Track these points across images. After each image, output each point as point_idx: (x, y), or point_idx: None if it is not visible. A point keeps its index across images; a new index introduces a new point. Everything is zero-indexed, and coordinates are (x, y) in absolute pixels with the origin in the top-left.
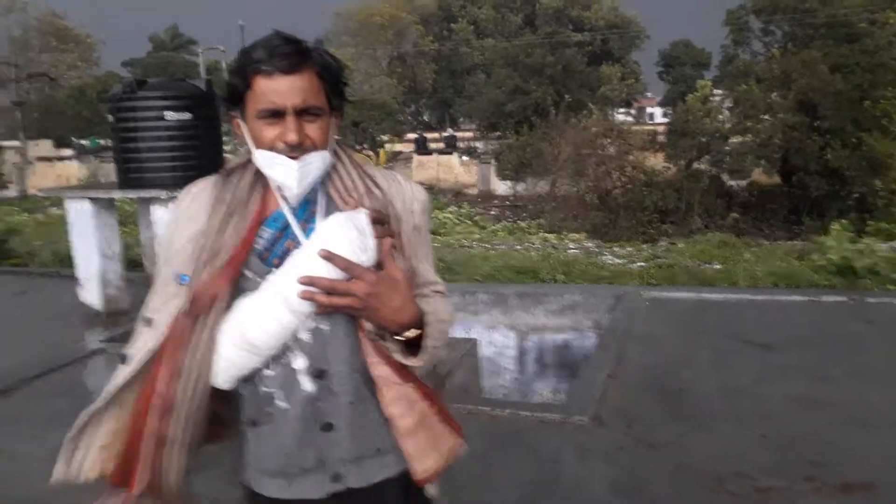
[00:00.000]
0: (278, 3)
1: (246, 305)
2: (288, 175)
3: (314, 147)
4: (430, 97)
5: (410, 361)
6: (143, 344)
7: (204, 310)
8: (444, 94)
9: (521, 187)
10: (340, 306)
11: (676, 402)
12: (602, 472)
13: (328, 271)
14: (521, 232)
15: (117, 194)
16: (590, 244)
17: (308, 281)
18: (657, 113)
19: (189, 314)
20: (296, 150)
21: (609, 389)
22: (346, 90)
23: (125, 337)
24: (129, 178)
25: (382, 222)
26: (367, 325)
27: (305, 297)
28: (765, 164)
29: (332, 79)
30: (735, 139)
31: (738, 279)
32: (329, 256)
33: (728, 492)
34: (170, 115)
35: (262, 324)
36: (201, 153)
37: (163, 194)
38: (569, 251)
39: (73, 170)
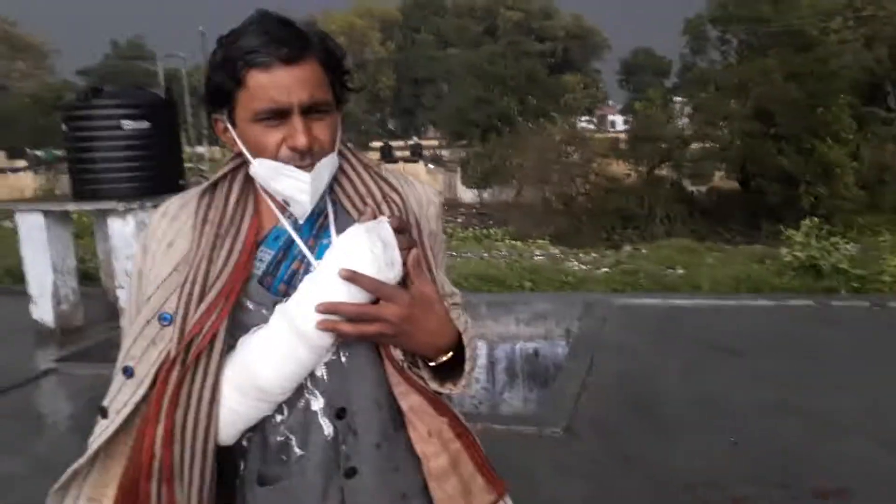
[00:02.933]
0: (237, 10)
1: (253, 345)
2: (299, 190)
3: (323, 151)
4: (393, 106)
5: (448, 389)
6: (125, 397)
7: (200, 355)
8: (406, 104)
9: (487, 195)
10: (370, 335)
11: (649, 413)
12: (577, 485)
13: (350, 294)
14: (488, 239)
15: (71, 206)
16: (556, 250)
17: (330, 308)
18: (618, 121)
19: (183, 362)
20: (306, 157)
21: (582, 400)
22: (349, 80)
23: (79, 356)
24: (85, 189)
25: (404, 231)
26: (397, 353)
27: (327, 327)
28: (725, 169)
29: (336, 67)
30: (696, 145)
31: (701, 283)
32: (354, 277)
33: (703, 501)
34: (127, 124)
35: (275, 365)
36: (160, 163)
37: (120, 206)
38: (535, 258)
39: (28, 181)
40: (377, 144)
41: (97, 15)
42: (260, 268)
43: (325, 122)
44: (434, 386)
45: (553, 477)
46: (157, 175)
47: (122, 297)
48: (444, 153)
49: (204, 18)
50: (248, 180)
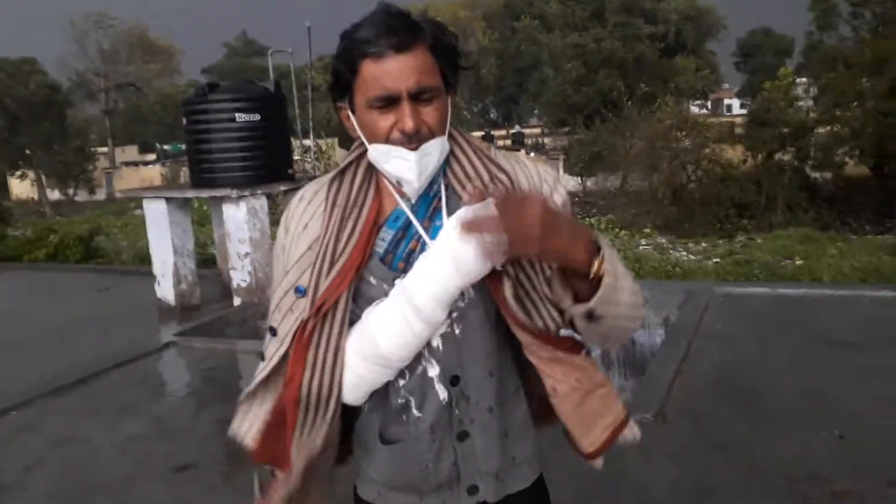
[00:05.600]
0: (342, 4)
1: (375, 316)
2: (407, 168)
3: (431, 134)
4: (495, 95)
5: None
6: (271, 351)
7: (326, 315)
8: (509, 91)
9: (590, 183)
10: (522, 236)
11: (749, 402)
12: (666, 471)
13: (460, 274)
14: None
15: (190, 194)
16: (663, 240)
17: (473, 226)
18: (735, 104)
19: (314, 328)
20: (413, 140)
21: (675, 387)
22: (461, 63)
23: (196, 331)
24: (202, 178)
25: None
26: (507, 291)
27: (471, 232)
28: (856, 154)
29: (446, 53)
30: (821, 129)
31: (821, 275)
32: (475, 223)
33: (801, 495)
34: (240, 117)
35: (394, 335)
36: (270, 153)
37: (233, 193)
38: (640, 247)
39: (156, 173)
40: (478, 134)
41: (212, 15)
42: (382, 246)
43: (433, 107)
44: (580, 309)
45: (642, 462)
46: (268, 164)
47: (235, 277)
48: (546, 141)
49: (309, 13)
50: (372, 166)
